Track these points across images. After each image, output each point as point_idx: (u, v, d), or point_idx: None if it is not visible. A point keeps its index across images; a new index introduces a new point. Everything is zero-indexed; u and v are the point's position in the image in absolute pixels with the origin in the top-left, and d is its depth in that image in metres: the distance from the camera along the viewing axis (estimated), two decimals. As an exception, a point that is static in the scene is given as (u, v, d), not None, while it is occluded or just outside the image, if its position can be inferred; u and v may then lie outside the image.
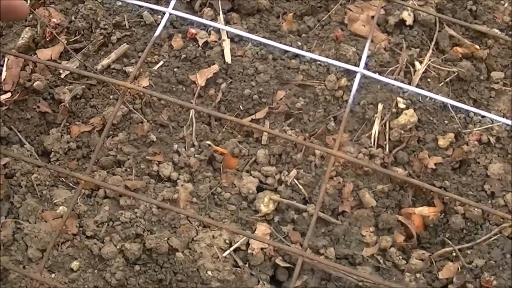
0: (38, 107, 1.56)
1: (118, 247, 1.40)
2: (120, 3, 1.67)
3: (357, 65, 1.26)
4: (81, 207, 1.45)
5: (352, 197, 1.50)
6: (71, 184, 1.49)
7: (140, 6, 1.60)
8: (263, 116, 1.56)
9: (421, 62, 1.61)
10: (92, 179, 1.23)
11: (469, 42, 1.65)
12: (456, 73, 1.61)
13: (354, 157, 1.49)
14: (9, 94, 1.56)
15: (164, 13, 1.26)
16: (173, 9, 1.11)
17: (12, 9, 1.09)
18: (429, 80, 1.60)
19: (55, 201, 1.46)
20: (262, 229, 1.46)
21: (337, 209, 1.50)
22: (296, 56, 1.61)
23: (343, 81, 1.57)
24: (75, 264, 1.39)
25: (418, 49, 1.63)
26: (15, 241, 1.41)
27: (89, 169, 1.26)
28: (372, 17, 1.65)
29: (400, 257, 1.46)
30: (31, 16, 1.67)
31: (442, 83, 1.60)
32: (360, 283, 1.42)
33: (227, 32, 1.63)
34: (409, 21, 1.64)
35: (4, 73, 1.57)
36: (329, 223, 1.49)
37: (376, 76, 1.29)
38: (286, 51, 1.61)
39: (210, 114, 1.56)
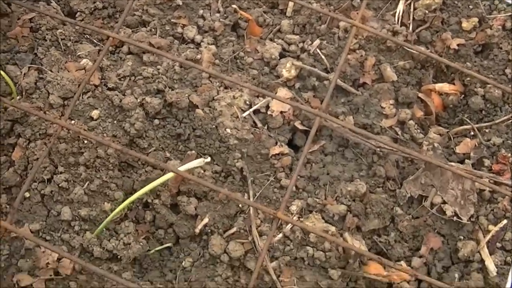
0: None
1: (139, 100, 1.41)
2: None
3: None
4: (104, 61, 1.46)
5: (374, 71, 1.51)
6: (95, 41, 1.50)
7: None
8: (287, -13, 1.57)
9: None
10: (119, 36, 1.25)
11: None
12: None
13: (377, 33, 1.51)
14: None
15: None
16: None
17: None
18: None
19: (78, 54, 1.47)
20: (283, 93, 1.47)
21: (358, 80, 1.51)
22: None
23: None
24: (95, 113, 1.40)
25: None
26: (37, 89, 1.42)
27: (117, 27, 1.28)
28: None
29: (418, 130, 1.47)
30: None
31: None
32: (378, 149, 1.42)
33: None
34: None
35: None
36: (350, 93, 1.49)
37: None
38: None
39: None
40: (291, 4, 1.55)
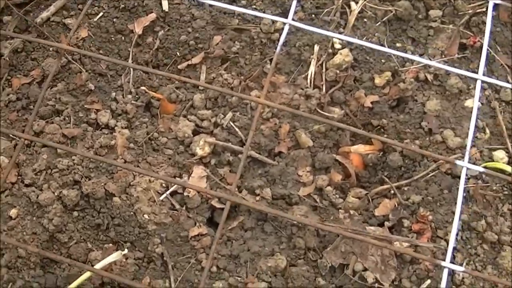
0: (-21, 62, 1.58)
1: (56, 193, 1.42)
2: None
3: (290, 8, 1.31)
4: (20, 157, 1.47)
5: (289, 138, 1.52)
6: (10, 135, 1.51)
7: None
8: (199, 61, 1.58)
9: (356, 3, 1.61)
10: (31, 137, 1.26)
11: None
12: (394, 12, 1.61)
13: (290, 98, 1.51)
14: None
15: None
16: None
17: None
18: (365, 20, 1.61)
19: (-6, 152, 1.49)
20: (199, 172, 1.48)
21: (273, 150, 1.51)
22: (233, 1, 1.62)
23: (279, 24, 1.57)
24: (13, 212, 1.41)
25: (353, -10, 1.64)
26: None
27: (29, 125, 1.29)
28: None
29: (337, 195, 1.48)
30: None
31: (379, 23, 1.61)
32: (295, 222, 1.43)
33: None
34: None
35: None
36: (266, 164, 1.50)
37: (304, 26, 1.32)
38: (222, -3, 1.63)
39: (146, 70, 1.58)
40: (202, 76, 1.56)
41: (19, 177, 1.45)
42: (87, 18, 1.62)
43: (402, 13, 1.61)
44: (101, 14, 1.62)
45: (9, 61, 1.57)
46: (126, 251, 1.36)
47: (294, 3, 1.35)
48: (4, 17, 1.63)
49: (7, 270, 1.36)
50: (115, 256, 1.35)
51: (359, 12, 1.60)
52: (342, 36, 1.35)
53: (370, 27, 1.59)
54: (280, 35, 1.57)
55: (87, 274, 1.33)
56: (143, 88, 1.53)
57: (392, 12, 1.61)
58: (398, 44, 1.60)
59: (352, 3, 1.61)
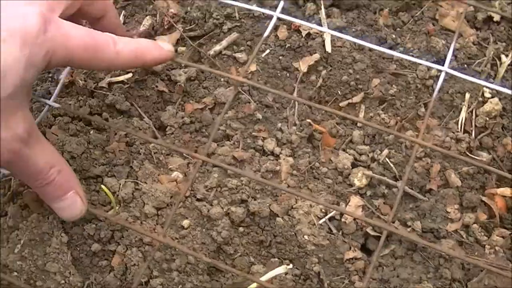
0: (157, 86, 1.75)
1: (224, 209, 1.56)
2: (231, -3, 1.85)
3: (445, 57, 1.43)
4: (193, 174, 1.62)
5: (439, 177, 1.64)
6: (184, 154, 1.66)
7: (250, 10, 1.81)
8: (359, 100, 1.72)
9: (507, 55, 1.73)
10: (205, 158, 1.41)
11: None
12: (541, 66, 1.74)
13: (441, 141, 1.64)
14: (130, 74, 1.75)
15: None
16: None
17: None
18: (515, 72, 1.73)
19: (170, 167, 1.64)
20: (355, 201, 1.60)
21: (424, 187, 1.64)
22: (391, 47, 1.77)
23: (433, 71, 1.71)
24: (186, 222, 1.56)
25: (504, 44, 1.76)
26: (134, 199, 1.58)
27: (206, 147, 1.44)
28: (461, 13, 1.79)
29: (482, 233, 1.58)
30: (151, 6, 1.87)
31: (528, 76, 1.73)
32: (443, 254, 1.55)
33: (328, 24, 1.79)
34: (497, 17, 1.78)
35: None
36: (417, 199, 1.62)
37: (459, 74, 1.44)
38: (381, 43, 1.77)
39: (310, 105, 1.72)
40: (361, 115, 1.70)
41: (192, 192, 1.60)
42: (255, 54, 1.77)
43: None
44: (268, 51, 1.77)
45: (183, 87, 1.74)
46: (290, 266, 1.49)
47: (450, 52, 1.48)
48: (179, 47, 1.80)
49: (177, 273, 1.50)
50: (280, 270, 1.48)
51: (509, 64, 1.72)
52: (492, 86, 1.46)
53: (519, 79, 1.72)
54: (434, 81, 1.71)
55: (253, 285, 1.47)
56: (308, 120, 1.67)
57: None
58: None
59: (503, 56, 1.74)
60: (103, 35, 1.38)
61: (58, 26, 1.28)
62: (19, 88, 1.23)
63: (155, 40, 1.74)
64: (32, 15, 1.23)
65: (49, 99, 1.58)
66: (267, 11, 1.48)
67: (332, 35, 1.77)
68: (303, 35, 1.78)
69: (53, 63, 1.29)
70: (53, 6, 1.31)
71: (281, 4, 1.46)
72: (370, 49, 1.74)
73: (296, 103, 1.70)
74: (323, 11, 1.82)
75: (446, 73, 1.45)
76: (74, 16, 1.42)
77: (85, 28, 1.36)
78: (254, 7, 1.56)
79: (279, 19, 1.53)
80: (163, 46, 1.44)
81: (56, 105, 1.57)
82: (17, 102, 1.25)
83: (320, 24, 1.79)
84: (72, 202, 1.45)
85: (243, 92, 1.70)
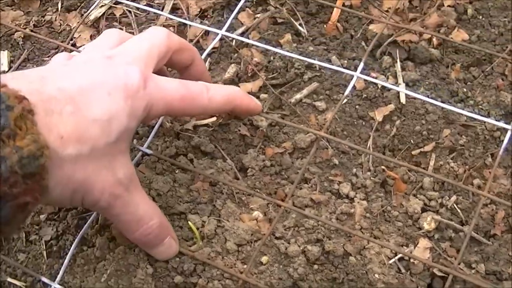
0: (239, 130, 1.87)
1: (301, 248, 1.67)
2: (312, 48, 1.98)
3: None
4: (272, 213, 1.74)
5: (503, 223, 1.72)
6: (264, 195, 1.78)
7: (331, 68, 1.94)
8: (430, 149, 1.82)
9: None
10: (289, 206, 1.54)
11: None
12: None
13: (506, 189, 1.73)
14: (214, 118, 1.89)
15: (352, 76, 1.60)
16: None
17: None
18: None
19: (251, 207, 1.76)
20: (424, 243, 1.70)
21: (489, 232, 1.72)
22: (461, 100, 1.87)
23: (501, 124, 1.80)
24: (264, 258, 1.67)
25: None
26: (216, 235, 1.70)
27: (289, 193, 1.56)
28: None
29: (545, 278, 1.67)
30: (235, 54, 2.01)
31: None
32: (505, 296, 1.63)
33: (403, 76, 1.91)
34: None
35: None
36: (482, 243, 1.71)
37: None
38: (453, 96, 1.87)
39: (381, 157, 1.83)
40: (431, 163, 1.80)
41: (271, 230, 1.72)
42: (333, 103, 1.89)
43: None
44: (345, 100, 1.89)
45: (264, 132, 1.86)
46: (368, 302, 1.60)
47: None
48: (261, 94, 1.94)
49: (255, 307, 1.62)
50: (351, 307, 1.59)
51: None
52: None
53: None
54: (501, 133, 1.80)
55: (326, 319, 1.57)
56: (382, 167, 1.78)
57: None
58: None
59: None
60: (196, 84, 1.52)
61: (155, 82, 1.43)
62: (122, 135, 1.36)
63: (238, 86, 1.88)
64: (134, 73, 1.39)
65: (138, 140, 1.71)
66: (348, 71, 1.60)
67: (406, 87, 1.88)
68: (379, 86, 1.89)
69: (152, 115, 1.44)
70: (149, 63, 1.46)
71: (361, 65, 1.59)
72: (442, 101, 1.84)
73: (371, 150, 1.81)
74: (398, 64, 1.94)
75: (512, 130, 1.55)
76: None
77: (178, 80, 1.51)
78: (335, 67, 1.69)
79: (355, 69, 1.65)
80: (253, 98, 1.58)
81: (149, 151, 1.71)
82: (120, 148, 1.38)
83: (395, 76, 1.90)
84: (169, 247, 1.57)
85: (321, 139, 1.82)
